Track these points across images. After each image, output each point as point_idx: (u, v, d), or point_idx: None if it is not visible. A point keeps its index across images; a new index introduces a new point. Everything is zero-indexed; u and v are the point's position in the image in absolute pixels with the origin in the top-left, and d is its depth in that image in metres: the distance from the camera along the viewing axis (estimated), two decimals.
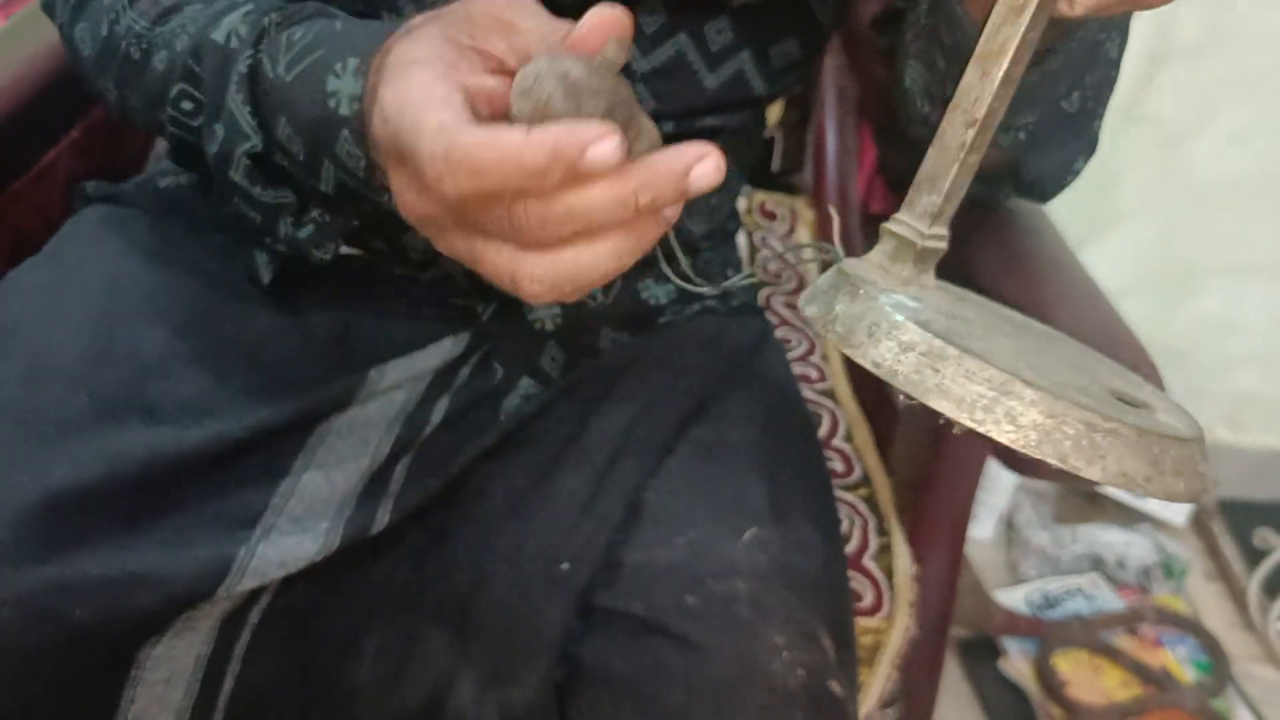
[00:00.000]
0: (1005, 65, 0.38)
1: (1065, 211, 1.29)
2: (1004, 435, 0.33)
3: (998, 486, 1.43)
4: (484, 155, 0.33)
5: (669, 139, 0.61)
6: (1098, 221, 1.34)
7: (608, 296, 0.64)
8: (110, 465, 0.49)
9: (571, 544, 0.54)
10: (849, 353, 0.36)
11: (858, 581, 0.69)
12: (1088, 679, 1.24)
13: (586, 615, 0.52)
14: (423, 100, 0.36)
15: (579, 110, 0.34)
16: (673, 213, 0.37)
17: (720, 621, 0.51)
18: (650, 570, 0.53)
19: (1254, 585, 1.40)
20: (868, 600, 0.68)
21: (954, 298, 0.41)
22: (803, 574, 0.55)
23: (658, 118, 0.59)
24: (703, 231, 0.68)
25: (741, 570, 0.53)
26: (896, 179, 0.66)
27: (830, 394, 0.82)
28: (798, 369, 0.82)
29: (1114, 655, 1.27)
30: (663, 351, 0.64)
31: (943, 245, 0.40)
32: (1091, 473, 0.33)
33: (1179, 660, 1.30)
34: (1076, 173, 0.61)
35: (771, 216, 1.03)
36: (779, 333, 0.80)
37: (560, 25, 0.39)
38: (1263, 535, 1.46)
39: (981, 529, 1.46)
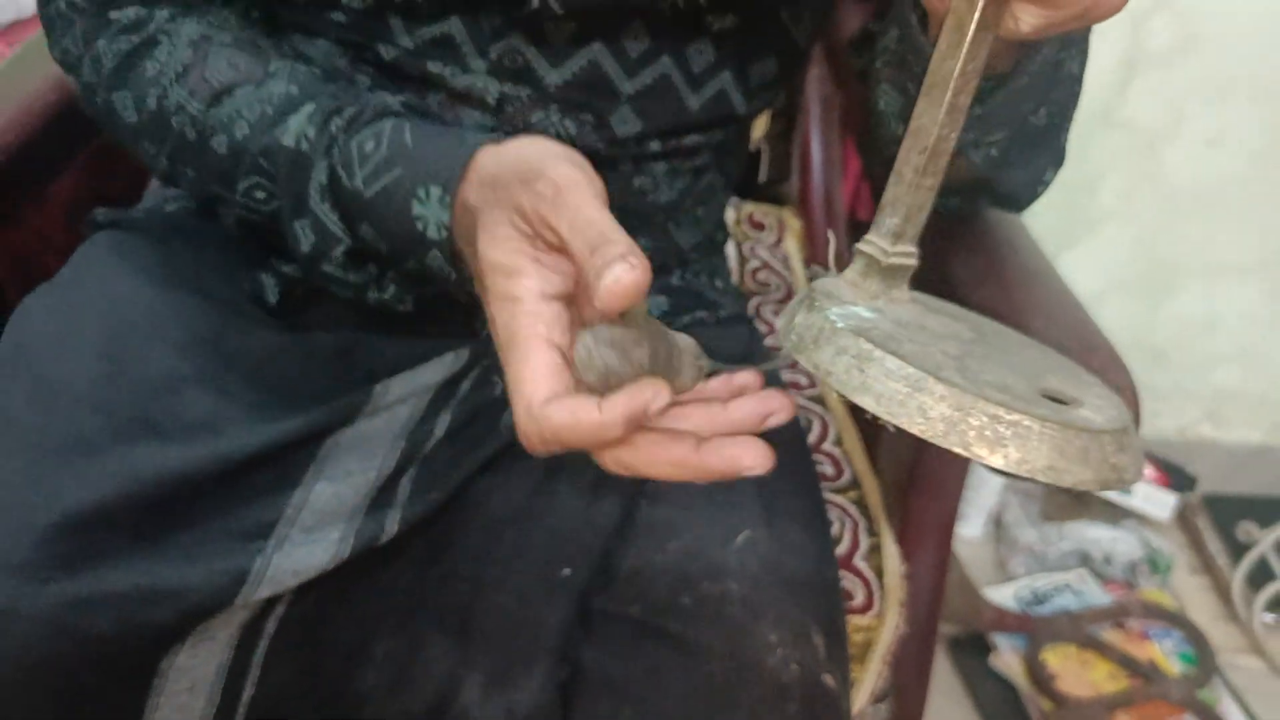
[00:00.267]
0: (949, 95, 0.40)
1: (1047, 216, 1.33)
2: (915, 427, 0.36)
3: (986, 486, 1.46)
4: (568, 435, 0.39)
5: (655, 157, 0.64)
6: (1079, 225, 1.36)
7: None
8: (124, 483, 0.51)
9: (570, 550, 0.56)
10: (799, 358, 0.40)
11: (849, 581, 0.71)
12: (1076, 672, 1.26)
13: (586, 619, 0.55)
14: (525, 346, 0.41)
15: (630, 362, 0.39)
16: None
17: (714, 621, 0.53)
18: (646, 574, 0.55)
19: (1238, 578, 1.42)
20: (859, 599, 0.70)
21: (925, 309, 0.44)
22: (794, 574, 0.57)
23: (645, 136, 0.62)
24: (691, 243, 0.70)
25: (734, 572, 0.55)
26: (881, 188, 0.68)
27: (819, 400, 0.84)
28: (787, 376, 0.84)
29: (1102, 649, 1.29)
30: None
31: (909, 262, 0.43)
32: (995, 461, 0.36)
33: (1165, 653, 1.32)
34: (1047, 183, 0.64)
35: (759, 227, 1.05)
36: (768, 340, 0.82)
37: (593, 228, 0.40)
38: (1246, 529, 1.48)
39: (971, 528, 1.48)
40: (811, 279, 0.45)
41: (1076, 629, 1.31)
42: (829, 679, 0.54)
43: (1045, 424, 0.36)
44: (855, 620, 0.69)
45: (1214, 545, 1.48)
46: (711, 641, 0.52)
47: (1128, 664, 1.28)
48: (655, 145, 0.63)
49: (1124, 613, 1.34)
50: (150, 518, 0.51)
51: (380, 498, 0.57)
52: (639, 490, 0.59)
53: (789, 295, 0.95)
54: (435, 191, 0.47)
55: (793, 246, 1.04)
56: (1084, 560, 1.41)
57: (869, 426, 0.82)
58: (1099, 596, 1.37)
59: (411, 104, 0.56)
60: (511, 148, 0.46)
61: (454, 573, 0.56)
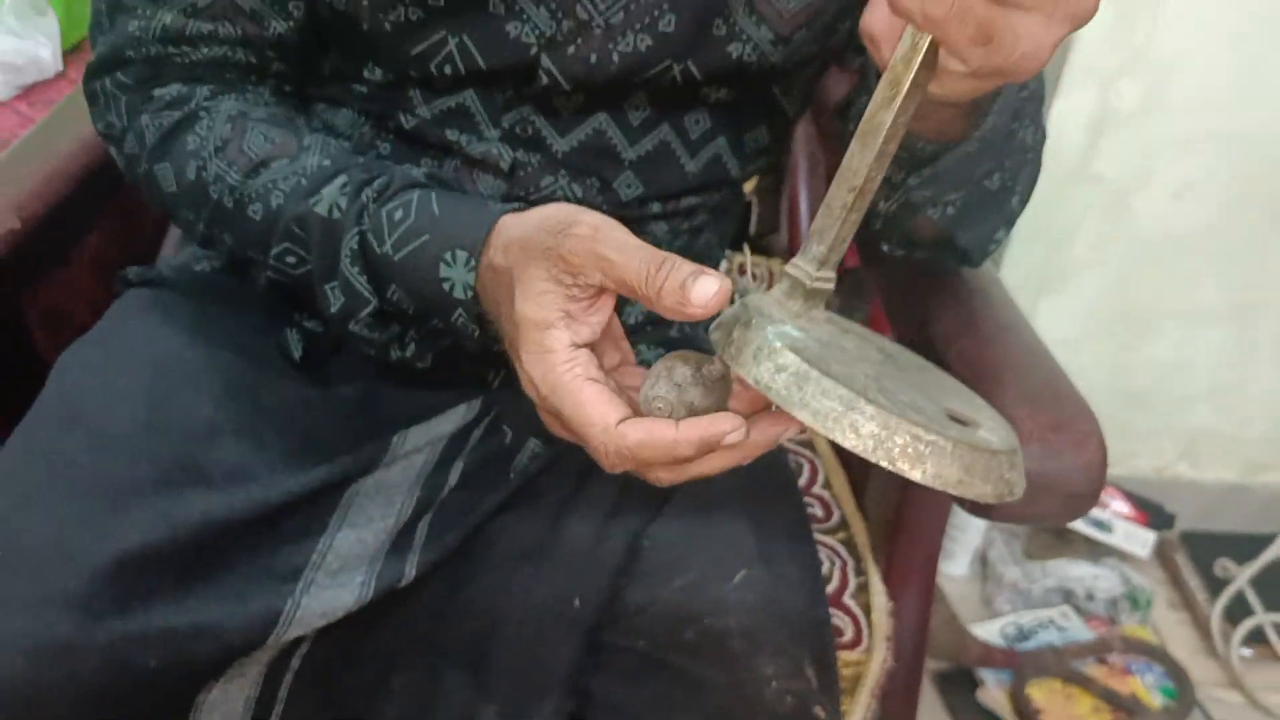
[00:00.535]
0: (880, 142, 0.43)
1: (1027, 265, 1.38)
2: (847, 442, 0.40)
3: (971, 526, 1.48)
4: (645, 453, 0.46)
5: (656, 218, 0.68)
6: (1056, 273, 1.40)
7: None
8: (170, 528, 0.54)
9: (579, 586, 0.60)
10: (738, 370, 0.44)
11: (839, 618, 0.74)
12: (1060, 706, 1.29)
13: (595, 652, 0.58)
14: (573, 389, 0.47)
15: (683, 398, 0.47)
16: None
17: (715, 655, 0.57)
18: (651, 610, 0.59)
19: (1216, 613, 1.45)
20: (848, 635, 0.74)
21: (839, 329, 0.48)
22: (788, 610, 0.61)
23: (646, 199, 0.66)
24: None
25: (733, 608, 0.59)
26: (862, 238, 0.72)
27: (809, 445, 0.88)
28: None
29: (1085, 683, 1.32)
30: None
31: (829, 286, 0.47)
32: (914, 475, 0.40)
33: (1147, 687, 1.34)
34: (998, 242, 0.67)
35: (752, 277, 1.09)
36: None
37: (644, 250, 0.46)
38: (1223, 565, 1.51)
39: (957, 566, 1.51)
40: (741, 293, 0.49)
41: (1060, 664, 1.33)
42: (820, 710, 0.58)
43: (957, 444, 0.40)
44: (845, 655, 0.73)
45: (1193, 581, 1.51)
46: (713, 674, 0.56)
47: (1110, 698, 1.30)
48: (656, 207, 0.67)
49: (1106, 648, 1.37)
50: (192, 559, 0.55)
51: (399, 542, 0.61)
52: (643, 530, 0.62)
53: None
54: (461, 255, 0.52)
55: None
56: (1067, 597, 1.44)
57: (857, 470, 0.86)
58: (1082, 632, 1.40)
59: (433, 173, 0.60)
60: (534, 212, 0.50)
61: (470, 609, 0.60)
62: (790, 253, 1.13)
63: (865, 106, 0.60)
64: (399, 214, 0.54)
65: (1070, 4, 0.40)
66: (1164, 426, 1.54)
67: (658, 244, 0.69)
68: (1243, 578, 1.47)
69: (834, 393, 0.41)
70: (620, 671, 0.57)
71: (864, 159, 0.43)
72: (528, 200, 0.64)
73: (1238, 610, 1.45)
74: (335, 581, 0.58)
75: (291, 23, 0.61)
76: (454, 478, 0.64)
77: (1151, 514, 1.51)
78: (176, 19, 0.60)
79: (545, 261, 0.47)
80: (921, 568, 0.77)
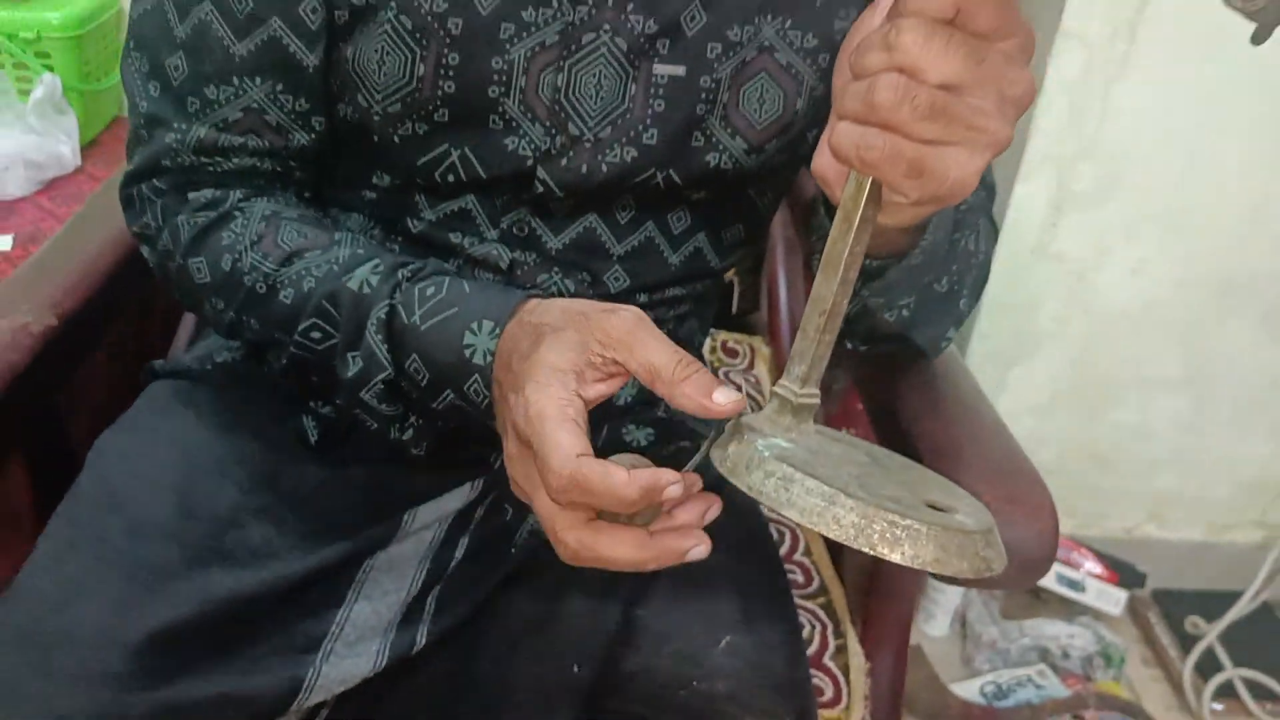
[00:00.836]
0: (841, 271, 0.48)
1: (997, 337, 1.44)
2: (831, 533, 0.44)
3: (950, 588, 1.51)
4: (594, 484, 0.47)
5: (643, 307, 0.73)
6: (1024, 344, 1.45)
7: (596, 440, 0.75)
8: (200, 604, 0.59)
9: (579, 655, 0.64)
10: (734, 481, 0.48)
11: (819, 678, 0.78)
12: None
13: (595, 715, 0.63)
14: (557, 419, 0.49)
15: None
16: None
17: (706, 715, 0.62)
18: (645, 676, 0.64)
19: (1188, 669, 1.49)
20: (829, 694, 0.78)
21: (827, 439, 0.52)
22: (772, 672, 0.65)
23: (633, 291, 0.71)
24: None
25: (721, 672, 0.64)
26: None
27: None
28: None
29: None
30: None
31: (814, 401, 0.51)
32: (894, 557, 0.44)
33: None
34: (949, 340, 0.72)
35: (733, 354, 1.15)
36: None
37: (676, 347, 0.50)
38: (1194, 622, 1.55)
39: (938, 627, 1.54)
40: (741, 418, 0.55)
41: None
42: None
43: (931, 527, 0.44)
44: (826, 714, 0.77)
45: (1165, 638, 1.54)
46: None
47: None
48: (642, 298, 0.71)
49: (1082, 704, 1.40)
50: (222, 633, 0.60)
51: (410, 613, 0.65)
52: (636, 601, 0.67)
53: None
54: (488, 325, 0.55)
55: (764, 371, 1.14)
56: (1043, 655, 1.47)
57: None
58: (1059, 690, 1.43)
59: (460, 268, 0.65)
60: (563, 300, 0.55)
61: (479, 677, 0.64)
62: (771, 330, 1.18)
63: (816, 221, 0.65)
64: (430, 290, 0.58)
65: (987, 136, 0.43)
66: (1131, 489, 1.58)
67: None
68: (1212, 634, 1.51)
69: (817, 490, 0.45)
70: None
71: (829, 287, 0.48)
72: None
73: (1208, 665, 1.49)
74: (353, 650, 0.63)
75: (313, 135, 0.66)
76: (460, 553, 0.69)
77: (1123, 573, 1.54)
78: (210, 133, 0.64)
79: (583, 327, 0.51)
80: (896, 630, 0.81)
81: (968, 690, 1.43)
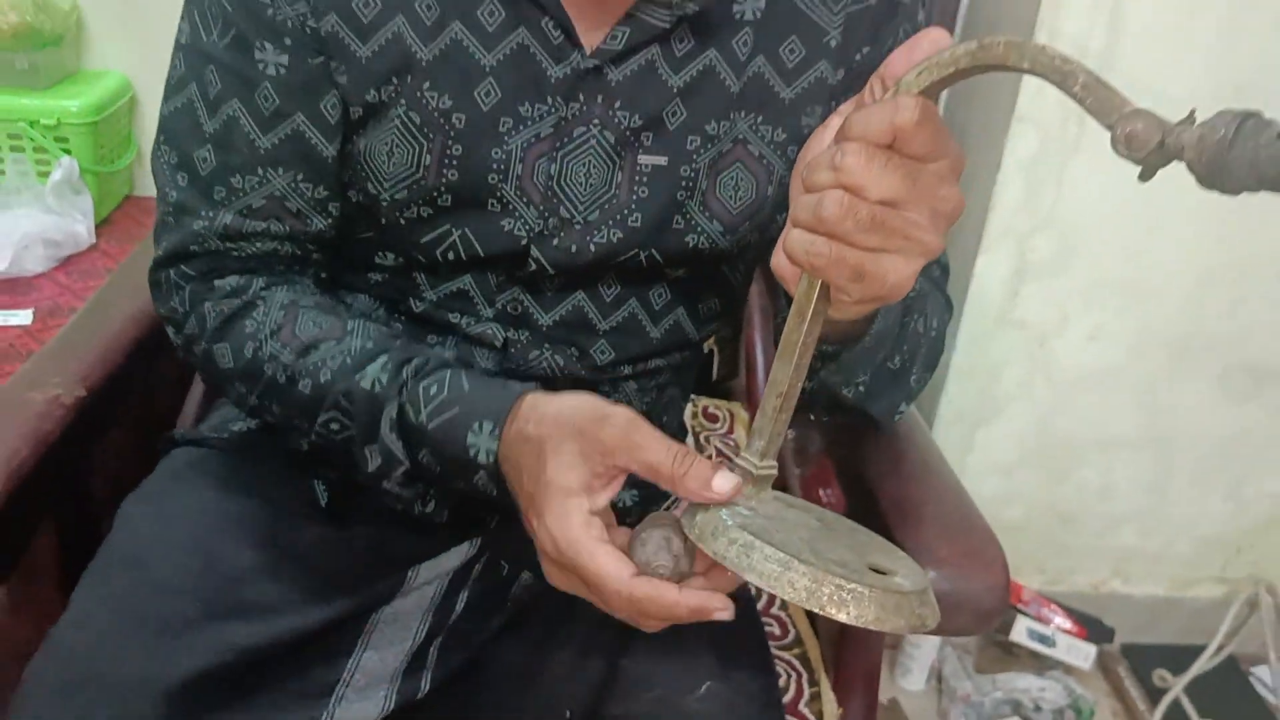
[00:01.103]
0: (795, 358, 0.52)
1: (964, 399, 1.50)
2: (786, 594, 0.49)
3: (926, 644, 1.56)
4: (650, 607, 0.55)
5: (627, 378, 0.80)
6: (988, 407, 1.50)
7: None
8: (220, 655, 0.64)
9: (568, 701, 0.69)
10: (702, 546, 0.53)
11: None
12: None
13: None
14: (591, 551, 0.56)
15: (673, 558, 0.57)
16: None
17: None
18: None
19: None
20: None
21: (784, 505, 0.58)
22: (748, 716, 0.70)
23: (618, 363, 0.76)
24: None
25: (700, 716, 0.68)
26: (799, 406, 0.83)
27: None
28: None
29: None
30: None
31: (771, 472, 0.57)
32: (841, 617, 0.48)
33: None
34: (903, 412, 0.78)
35: (713, 419, 1.20)
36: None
37: (669, 441, 0.55)
38: (1161, 674, 1.59)
39: (914, 682, 1.58)
40: None
41: None
42: None
43: (872, 589, 0.49)
44: None
45: (1134, 691, 1.58)
46: None
47: None
48: (626, 369, 0.76)
49: None
50: (243, 680, 0.64)
51: (415, 662, 0.70)
52: (620, 650, 0.72)
53: None
54: (487, 425, 0.61)
55: (742, 435, 1.18)
56: (1016, 708, 1.51)
57: None
58: None
59: (459, 356, 0.70)
60: (566, 395, 0.60)
61: (481, 719, 0.69)
62: (750, 396, 1.23)
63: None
64: (434, 389, 0.63)
65: (921, 245, 0.48)
66: (1096, 546, 1.62)
67: (629, 401, 0.80)
68: (1178, 687, 1.55)
69: (774, 557, 0.50)
70: None
71: (785, 372, 0.53)
72: (519, 372, 0.73)
73: (1176, 718, 1.52)
74: (363, 696, 0.68)
75: (329, 220, 0.70)
76: (460, 606, 0.74)
77: (1091, 628, 1.58)
78: (235, 219, 0.68)
79: (581, 440, 0.56)
80: (866, 677, 0.85)
81: None
